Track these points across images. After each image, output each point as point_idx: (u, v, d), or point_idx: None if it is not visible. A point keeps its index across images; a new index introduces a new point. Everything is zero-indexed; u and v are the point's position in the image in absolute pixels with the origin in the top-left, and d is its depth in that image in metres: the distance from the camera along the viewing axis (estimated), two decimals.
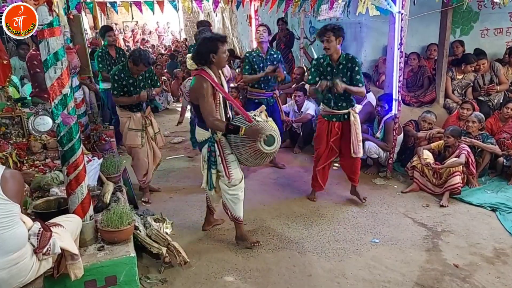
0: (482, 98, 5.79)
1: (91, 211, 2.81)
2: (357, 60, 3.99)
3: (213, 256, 3.53)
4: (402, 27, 4.52)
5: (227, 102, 3.42)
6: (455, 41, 6.18)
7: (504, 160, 4.85)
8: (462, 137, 4.74)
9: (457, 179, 4.43)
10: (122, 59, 5.85)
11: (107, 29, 5.98)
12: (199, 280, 3.21)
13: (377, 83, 6.33)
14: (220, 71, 3.41)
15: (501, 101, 5.69)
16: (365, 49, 6.60)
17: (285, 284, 3.15)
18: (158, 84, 4.71)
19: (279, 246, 3.68)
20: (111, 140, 4.50)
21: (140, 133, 4.38)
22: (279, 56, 5.17)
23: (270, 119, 3.47)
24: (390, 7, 4.46)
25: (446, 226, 3.93)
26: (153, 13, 5.38)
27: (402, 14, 4.48)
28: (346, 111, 4.12)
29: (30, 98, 4.69)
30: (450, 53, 6.02)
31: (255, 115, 3.34)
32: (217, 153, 3.36)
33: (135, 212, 3.66)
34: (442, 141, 4.79)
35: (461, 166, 4.49)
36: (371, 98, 5.66)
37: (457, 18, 6.21)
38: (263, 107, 3.51)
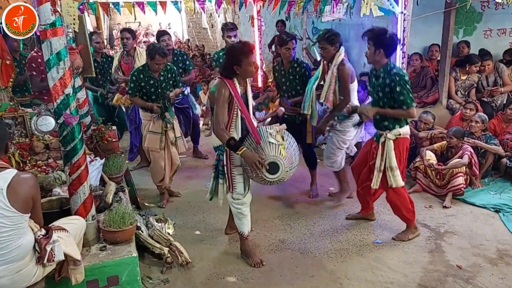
0: (486, 99, 5.76)
1: (93, 211, 2.82)
2: (397, 77, 3.28)
3: (215, 256, 3.53)
4: (404, 28, 4.52)
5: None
6: (461, 41, 6.14)
7: (508, 161, 4.83)
8: (465, 137, 4.72)
9: (460, 180, 4.41)
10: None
11: (161, 34, 5.61)
12: (201, 281, 3.20)
13: None
14: (248, 81, 3.24)
15: (505, 102, 5.67)
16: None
17: (287, 285, 3.15)
18: (180, 85, 4.68)
19: (281, 246, 3.67)
20: (114, 140, 4.50)
21: (160, 137, 4.34)
22: (303, 69, 4.32)
23: (285, 142, 3.13)
24: (393, 7, 4.45)
25: (449, 227, 3.92)
26: (156, 14, 5.37)
27: (404, 14, 4.48)
28: (383, 132, 3.49)
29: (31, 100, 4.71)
30: (456, 54, 5.99)
31: (270, 134, 3.08)
32: (224, 162, 3.23)
33: (137, 212, 3.67)
34: (445, 142, 4.77)
35: (464, 167, 4.47)
36: None
37: (460, 19, 6.17)
38: (283, 126, 3.22)
